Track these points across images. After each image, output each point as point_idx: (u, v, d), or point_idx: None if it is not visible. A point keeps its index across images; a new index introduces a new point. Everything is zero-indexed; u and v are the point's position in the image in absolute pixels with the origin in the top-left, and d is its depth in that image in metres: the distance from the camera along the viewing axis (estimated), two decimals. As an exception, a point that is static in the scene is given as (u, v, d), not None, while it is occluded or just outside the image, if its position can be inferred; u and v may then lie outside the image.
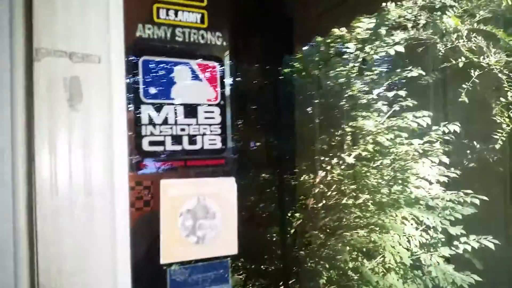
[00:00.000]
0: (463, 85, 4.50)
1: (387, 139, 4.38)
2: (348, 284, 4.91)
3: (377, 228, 4.62)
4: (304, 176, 5.24)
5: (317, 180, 5.38)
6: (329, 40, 4.57)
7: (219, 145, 0.95)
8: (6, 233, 0.75)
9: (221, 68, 0.95)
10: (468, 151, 4.91)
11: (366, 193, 4.96)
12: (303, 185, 5.14)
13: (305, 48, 4.71)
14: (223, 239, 0.94)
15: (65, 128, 0.77)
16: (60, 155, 0.77)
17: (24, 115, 0.75)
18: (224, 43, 0.94)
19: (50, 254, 0.76)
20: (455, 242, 4.24)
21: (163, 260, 0.89)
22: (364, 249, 4.77)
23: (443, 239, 4.40)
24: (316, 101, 4.88)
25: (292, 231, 5.17)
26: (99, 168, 0.80)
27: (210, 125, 0.94)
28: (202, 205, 0.92)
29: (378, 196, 4.73)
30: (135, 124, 0.87)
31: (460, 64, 4.29)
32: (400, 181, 4.31)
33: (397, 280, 4.29)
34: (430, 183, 4.35)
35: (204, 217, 0.92)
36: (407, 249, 4.21)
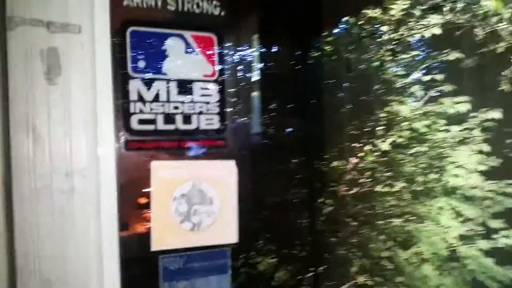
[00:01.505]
0: (503, 72, 4.21)
1: (424, 126, 4.17)
2: (382, 273, 4.79)
3: (413, 218, 4.46)
4: (335, 162, 5.11)
5: (350, 166, 5.25)
6: (361, 22, 4.37)
7: (217, 125, 0.87)
8: (-17, 215, 0.71)
9: (220, 40, 0.87)
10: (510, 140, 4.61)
11: (402, 181, 4.80)
12: (335, 171, 5.02)
13: (335, 30, 4.54)
14: (221, 226, 0.86)
15: (43, 103, 0.72)
16: (38, 132, 0.71)
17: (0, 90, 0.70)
18: (222, 13, 0.86)
19: (28, 236, 0.71)
20: (495, 235, 4.02)
21: (154, 247, 0.83)
22: (399, 239, 4.63)
23: (482, 232, 4.18)
24: (348, 85, 4.71)
25: (323, 217, 5.08)
26: (81, 148, 0.74)
27: (207, 103, 0.86)
28: (198, 189, 0.85)
29: (414, 185, 4.55)
30: (123, 100, 0.80)
31: (500, 50, 4.00)
32: (436, 169, 4.11)
33: (432, 271, 4.12)
34: (469, 172, 4.13)
35: (200, 203, 0.85)
36: (444, 241, 4.03)
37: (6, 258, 0.70)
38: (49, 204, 0.72)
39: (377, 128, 4.86)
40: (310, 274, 4.76)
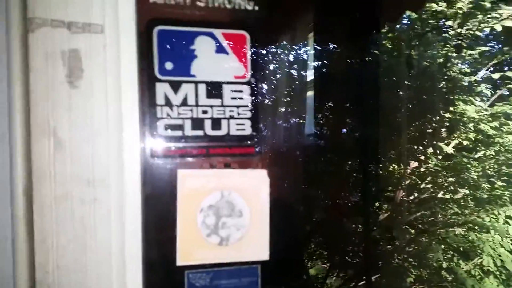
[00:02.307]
0: None
1: (491, 127, 3.86)
2: (440, 285, 4.53)
3: (476, 227, 4.15)
4: (393, 165, 4.89)
5: (409, 170, 5.00)
6: (425, 16, 4.11)
7: (248, 130, 0.80)
8: (5, 221, 0.69)
9: (253, 38, 0.79)
10: None
11: (466, 187, 4.49)
12: (392, 175, 4.80)
13: (396, 26, 4.31)
14: (251, 241, 0.80)
15: (64, 107, 0.68)
16: (58, 138, 0.68)
17: (21, 94, 0.67)
18: (256, 8, 0.78)
19: (48, 247, 0.68)
20: None
21: (180, 261, 0.77)
22: (461, 249, 4.35)
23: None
24: (408, 83, 4.46)
25: (379, 224, 4.88)
26: (103, 155, 0.70)
27: (237, 106, 0.79)
28: (226, 200, 0.78)
29: (479, 192, 4.24)
30: (149, 104, 0.76)
31: None
32: (505, 176, 3.79)
33: (497, 286, 3.81)
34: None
35: (229, 215, 0.78)
36: (511, 252, 3.70)
37: (28, 270, 0.68)
38: (70, 213, 0.69)
39: (440, 130, 4.58)
40: (363, 282, 4.58)
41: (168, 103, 0.76)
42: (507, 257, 3.65)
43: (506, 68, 3.97)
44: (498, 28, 3.60)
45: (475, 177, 4.19)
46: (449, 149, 4.49)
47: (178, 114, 0.77)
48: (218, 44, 0.78)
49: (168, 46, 0.76)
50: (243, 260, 0.80)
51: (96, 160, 0.70)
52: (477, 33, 3.97)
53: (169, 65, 0.76)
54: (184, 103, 0.77)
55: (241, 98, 0.79)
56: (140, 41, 0.74)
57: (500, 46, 4.28)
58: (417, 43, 4.56)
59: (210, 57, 0.78)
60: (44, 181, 0.68)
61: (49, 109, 0.68)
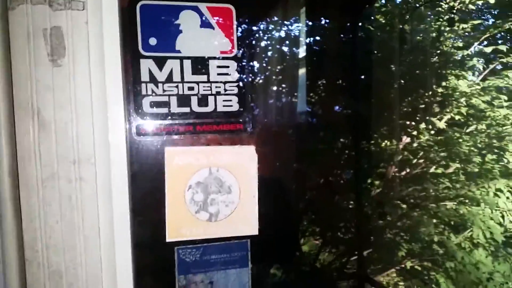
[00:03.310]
0: None
1: (483, 102, 3.87)
2: (431, 258, 4.62)
3: (467, 201, 4.21)
4: (385, 142, 4.91)
5: (401, 146, 5.02)
6: (416, -10, 4.06)
7: (236, 106, 0.79)
8: (-8, 203, 0.69)
9: (239, 12, 0.78)
10: None
11: (457, 161, 4.53)
12: (384, 151, 4.82)
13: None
14: (240, 217, 0.80)
15: (47, 87, 0.67)
16: (42, 118, 0.68)
17: (3, 74, 0.66)
18: (241, -20, 0.77)
19: (35, 227, 0.68)
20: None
21: (169, 237, 0.78)
22: (452, 223, 4.42)
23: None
24: (401, 58, 4.44)
25: (371, 200, 4.93)
26: (88, 134, 0.70)
27: (224, 82, 0.78)
28: (214, 177, 0.78)
29: (470, 166, 4.28)
30: (133, 81, 0.75)
31: None
32: (496, 149, 3.82)
33: (486, 257, 3.89)
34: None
35: (217, 191, 0.79)
36: (500, 225, 3.77)
37: (17, 250, 0.68)
38: (56, 194, 0.68)
39: (432, 105, 4.59)
40: (355, 257, 4.66)
41: (153, 79, 0.76)
42: (496, 229, 3.71)
43: (499, 42, 3.95)
44: (491, 0, 3.58)
45: (467, 151, 4.23)
46: (441, 124, 4.51)
47: (163, 91, 0.76)
48: (203, 19, 0.77)
49: (151, 21, 0.75)
50: (233, 235, 0.81)
51: (81, 140, 0.69)
52: (470, 6, 3.94)
53: (153, 41, 0.75)
54: (170, 79, 0.76)
55: (227, 74, 0.78)
56: (123, 17, 0.72)
57: (493, 20, 4.26)
58: (409, 17, 4.52)
59: (195, 32, 0.77)
60: (30, 162, 0.68)
61: (32, 89, 0.67)
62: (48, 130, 0.68)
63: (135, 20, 0.74)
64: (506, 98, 3.76)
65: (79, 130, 0.69)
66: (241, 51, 0.79)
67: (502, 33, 4.13)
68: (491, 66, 4.01)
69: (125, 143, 0.73)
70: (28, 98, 0.67)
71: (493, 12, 4.22)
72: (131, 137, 0.75)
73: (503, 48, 3.70)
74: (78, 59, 0.68)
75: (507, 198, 3.78)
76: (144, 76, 0.75)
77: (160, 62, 0.76)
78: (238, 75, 0.79)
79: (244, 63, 0.79)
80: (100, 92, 0.70)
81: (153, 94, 0.76)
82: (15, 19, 0.65)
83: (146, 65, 0.75)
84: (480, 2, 3.83)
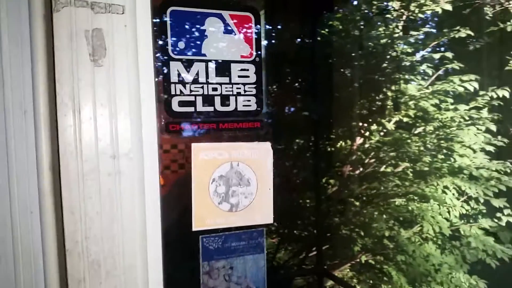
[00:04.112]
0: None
1: (431, 105, 4.16)
2: (383, 252, 4.85)
3: (416, 198, 4.50)
4: (341, 142, 5.12)
5: (355, 146, 5.26)
6: (371, -2, 4.31)
7: (254, 106, 0.86)
8: (32, 196, 0.71)
9: (257, 20, 0.86)
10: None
11: (406, 161, 4.81)
12: (340, 151, 5.03)
13: (345, 6, 4.47)
14: (257, 207, 0.87)
15: (89, 85, 0.71)
16: (84, 114, 0.71)
17: (45, 72, 0.69)
18: (261, -8, 0.84)
19: (76, 218, 0.72)
20: (498, 214, 4.07)
21: (195, 227, 0.84)
22: (401, 218, 4.68)
23: (484, 211, 4.23)
24: (356, 63, 4.67)
25: (327, 197, 5.10)
26: (126, 130, 0.74)
27: (244, 84, 0.85)
28: (235, 171, 0.85)
29: (419, 165, 4.57)
30: (163, 82, 0.80)
31: (509, 28, 3.96)
32: (444, 149, 4.13)
33: (435, 250, 4.18)
34: (475, 151, 4.14)
35: (238, 184, 0.85)
36: (447, 220, 4.07)
37: (56, 241, 0.71)
38: (96, 187, 0.72)
39: (384, 108, 4.84)
40: (313, 253, 4.82)
41: (181, 80, 0.81)
42: (444, 223, 4.00)
43: (444, 49, 4.27)
44: (439, 10, 3.87)
45: (416, 151, 4.51)
46: (390, 126, 4.79)
47: (190, 91, 0.82)
48: (226, 25, 0.84)
49: (180, 26, 0.80)
50: (251, 224, 0.88)
51: (120, 136, 0.74)
52: (419, 15, 4.23)
53: (181, 45, 0.81)
54: (196, 80, 0.82)
55: (247, 76, 0.85)
56: (154, 22, 0.77)
57: (438, 28, 4.60)
58: (362, 24, 4.76)
59: (219, 37, 0.83)
60: (71, 157, 0.71)
61: (74, 86, 0.70)
62: (89, 126, 0.72)
63: (165, 24, 0.80)
64: (452, 101, 4.06)
65: (118, 126, 0.73)
66: (258, 55, 0.86)
67: (447, 42, 4.46)
68: (438, 72, 4.32)
69: (156, 139, 0.78)
70: (70, 95, 0.70)
71: (440, 21, 4.55)
72: (161, 133, 0.80)
73: (449, 55, 4.01)
74: (117, 59, 0.73)
75: (453, 194, 4.08)
76: (173, 77, 0.81)
77: (188, 65, 0.81)
78: (256, 77, 0.86)
79: (260, 66, 0.86)
80: (135, 91, 0.75)
81: (181, 94, 0.81)
82: (59, 21, 0.69)
83: (175, 67, 0.81)
84: (429, 12, 4.13)
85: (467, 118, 4.06)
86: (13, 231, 0.71)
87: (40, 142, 0.70)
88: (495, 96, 3.95)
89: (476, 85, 3.95)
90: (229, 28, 0.84)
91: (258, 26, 0.86)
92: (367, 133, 5.20)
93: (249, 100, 0.86)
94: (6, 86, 0.69)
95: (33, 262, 0.73)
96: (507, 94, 3.92)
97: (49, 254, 0.72)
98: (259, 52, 0.87)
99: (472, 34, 4.08)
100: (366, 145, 5.20)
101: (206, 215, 0.84)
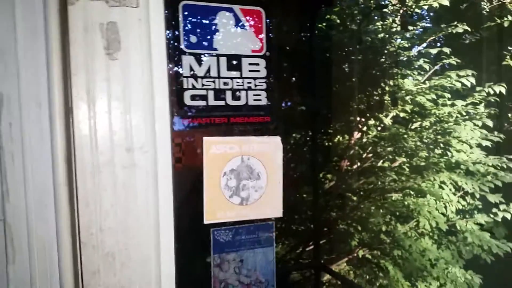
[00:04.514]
0: (509, 47, 4.21)
1: (428, 100, 4.18)
2: (380, 247, 4.87)
3: (413, 192, 4.52)
4: (338, 136, 5.13)
5: (352, 141, 5.27)
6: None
7: (264, 101, 0.87)
8: (47, 188, 0.72)
9: (268, 14, 0.86)
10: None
11: (403, 156, 4.83)
12: (338, 146, 5.05)
13: (343, 0, 4.47)
14: (267, 201, 0.88)
15: (103, 78, 0.72)
16: (98, 107, 0.72)
17: (60, 65, 0.70)
18: (271, -14, 0.85)
19: (91, 211, 0.72)
20: (494, 210, 4.10)
21: (206, 220, 0.85)
22: (398, 213, 4.70)
23: (480, 206, 4.26)
24: (354, 57, 4.68)
25: (325, 192, 5.12)
26: (140, 123, 0.75)
27: (255, 78, 0.86)
28: (246, 164, 0.86)
29: (415, 160, 4.59)
30: (176, 76, 0.80)
31: (506, 24, 3.98)
32: (441, 144, 4.15)
33: (431, 245, 4.22)
34: (471, 147, 4.17)
35: (248, 178, 0.86)
36: (443, 215, 4.10)
37: (70, 233, 0.72)
38: (111, 179, 0.73)
39: (382, 102, 4.85)
40: (310, 248, 4.84)
41: (193, 74, 0.82)
42: (441, 218, 4.03)
43: (441, 44, 4.29)
44: (435, 5, 3.88)
45: (413, 146, 4.53)
46: (388, 121, 4.81)
47: (202, 85, 0.82)
48: (237, 19, 0.84)
49: (192, 20, 0.81)
50: (261, 217, 0.89)
51: (134, 129, 0.74)
52: (417, 10, 4.24)
53: (193, 39, 0.81)
54: (207, 75, 0.83)
55: (257, 71, 0.86)
56: (167, 15, 0.78)
57: (435, 23, 4.62)
58: (360, 18, 4.76)
59: (230, 31, 0.84)
60: (87, 149, 0.72)
61: (89, 79, 0.71)
62: (104, 119, 0.72)
63: (178, 18, 0.80)
64: (449, 96, 4.08)
65: (133, 120, 0.74)
66: (269, 49, 0.87)
67: (444, 37, 4.48)
68: (435, 67, 4.34)
69: (169, 133, 0.78)
70: (85, 88, 0.71)
71: (438, 17, 4.56)
72: (174, 127, 0.81)
73: (447, 50, 4.03)
74: (131, 53, 0.73)
75: (450, 190, 4.11)
76: (186, 71, 0.81)
77: (200, 59, 0.82)
78: (267, 72, 0.87)
79: (270, 61, 0.87)
80: (149, 85, 0.75)
81: (193, 88, 0.82)
82: (74, 14, 0.69)
83: (188, 61, 0.81)
84: (425, 7, 4.15)
85: (464, 114, 4.09)
86: (28, 224, 0.72)
87: (55, 135, 0.71)
88: (491, 92, 3.98)
89: (473, 80, 3.97)
90: (240, 22, 0.85)
91: (269, 20, 0.87)
92: (364, 128, 5.21)
93: (260, 95, 0.87)
94: (21, 79, 0.69)
95: (48, 254, 0.73)
96: (503, 90, 3.95)
97: (63, 246, 0.72)
98: (269, 47, 0.87)
99: (469, 29, 4.10)
100: (364, 140, 5.21)
101: (217, 208, 0.85)
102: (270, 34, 0.87)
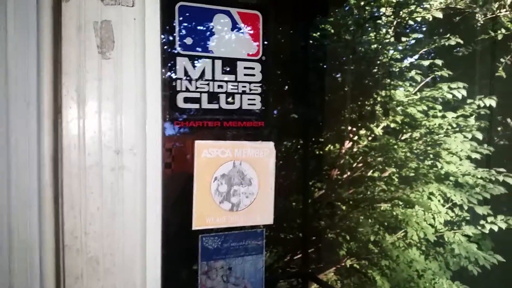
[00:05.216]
0: (502, 59, 4.26)
1: (419, 111, 4.21)
2: (368, 257, 4.87)
3: (401, 203, 4.53)
4: (329, 145, 5.13)
5: (343, 150, 5.28)
6: (363, 3, 4.34)
7: (258, 105, 0.86)
8: (31, 188, 0.70)
9: (265, 18, 0.85)
10: (502, 127, 4.71)
11: (393, 166, 4.85)
12: (328, 155, 5.05)
13: (337, 10, 4.49)
14: (258, 207, 0.87)
15: (95, 77, 0.70)
16: (89, 107, 0.70)
17: (51, 63, 0.68)
18: (270, -9, 0.84)
19: (76, 213, 0.70)
20: (482, 222, 4.13)
21: (195, 225, 0.83)
22: (386, 223, 4.71)
23: (468, 218, 4.29)
24: (347, 67, 4.70)
25: (314, 201, 5.11)
26: (130, 124, 0.73)
27: (250, 82, 0.85)
28: (238, 170, 0.84)
29: (405, 170, 4.61)
30: (169, 77, 0.79)
31: (500, 36, 4.04)
32: (431, 155, 4.17)
33: (419, 256, 4.22)
34: (461, 159, 4.20)
35: (240, 183, 0.85)
36: (432, 226, 4.11)
37: (54, 236, 0.69)
38: (98, 181, 0.71)
39: (373, 112, 4.87)
40: (298, 256, 4.82)
41: (187, 77, 0.80)
42: (429, 230, 4.04)
43: (433, 56, 4.33)
44: (428, 17, 3.92)
45: (402, 156, 4.55)
46: (378, 131, 4.83)
47: (196, 87, 0.81)
48: (234, 23, 0.83)
49: (188, 22, 0.79)
50: (251, 224, 0.87)
51: (124, 131, 0.72)
52: (410, 22, 4.28)
53: (189, 40, 0.80)
54: (202, 77, 0.81)
55: (253, 75, 0.85)
56: (163, 16, 0.76)
57: (428, 35, 4.66)
58: (354, 29, 4.79)
59: (226, 34, 0.83)
60: (74, 150, 0.69)
61: (80, 78, 0.69)
62: (94, 119, 0.70)
63: (173, 19, 0.79)
64: (440, 108, 4.11)
65: (123, 121, 0.72)
66: (265, 54, 0.86)
67: (436, 49, 4.52)
68: (426, 79, 4.37)
69: (160, 136, 0.77)
70: (77, 88, 0.69)
71: (431, 29, 4.61)
72: (165, 129, 0.79)
73: (439, 62, 4.06)
74: (125, 53, 0.71)
75: (439, 201, 4.13)
76: (180, 73, 0.80)
77: (194, 61, 0.80)
78: (262, 76, 0.85)
79: (267, 65, 0.86)
80: (141, 86, 0.74)
81: (187, 90, 0.80)
82: (68, 11, 0.67)
83: (182, 63, 0.79)
84: (419, 19, 4.18)
85: (454, 126, 4.12)
86: (10, 223, 0.69)
87: (42, 134, 0.69)
88: (482, 104, 4.02)
89: (464, 92, 4.00)
90: (237, 25, 0.83)
91: (266, 25, 0.86)
92: (355, 137, 5.23)
93: (254, 99, 0.86)
94: (10, 76, 0.67)
95: (29, 257, 0.71)
96: (493, 103, 3.99)
97: (46, 249, 0.70)
98: (265, 51, 0.86)
99: (462, 42, 4.14)
100: (354, 149, 5.22)
101: (206, 214, 0.83)
102: (266, 39, 0.85)
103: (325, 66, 4.84)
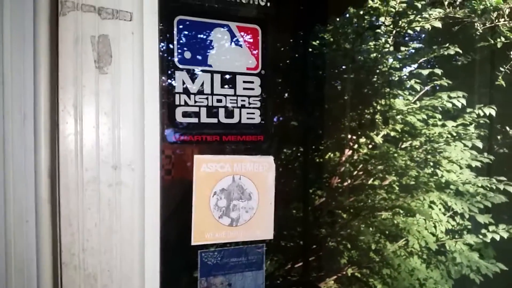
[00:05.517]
0: (501, 68, 4.27)
1: (418, 120, 4.21)
2: (369, 265, 4.85)
3: (402, 211, 4.52)
4: (329, 153, 5.13)
5: (343, 158, 5.27)
6: (362, 12, 4.35)
7: (257, 119, 0.85)
8: (28, 204, 0.69)
9: (264, 32, 0.85)
10: (502, 136, 4.71)
11: (393, 174, 4.84)
12: (328, 162, 5.04)
13: (337, 19, 4.51)
14: (258, 222, 0.86)
15: (92, 92, 0.69)
16: (86, 122, 0.69)
17: (48, 76, 0.67)
18: (268, 4, 0.84)
19: (74, 230, 0.69)
20: (483, 231, 4.11)
21: (194, 241, 0.81)
22: (387, 232, 4.69)
23: (469, 226, 4.27)
24: (346, 76, 4.71)
25: (314, 209, 5.09)
26: (129, 139, 0.72)
27: (249, 96, 0.84)
28: (237, 184, 0.84)
29: (405, 179, 4.60)
30: (168, 92, 0.78)
31: (499, 45, 4.05)
32: (431, 164, 4.16)
33: (420, 264, 4.20)
34: (461, 167, 4.19)
35: (239, 198, 0.84)
36: (433, 234, 4.09)
37: (51, 252, 0.68)
38: (96, 197, 0.70)
39: (373, 121, 4.87)
40: (299, 264, 4.79)
41: (186, 91, 0.80)
42: (430, 238, 4.02)
43: (433, 65, 4.34)
44: (428, 27, 3.94)
45: (403, 165, 4.54)
46: (378, 139, 4.82)
47: (194, 102, 0.80)
48: (233, 37, 0.83)
49: (187, 36, 0.79)
50: (251, 239, 0.86)
51: (122, 146, 0.72)
52: (409, 31, 4.29)
53: (187, 54, 0.79)
54: (201, 91, 0.81)
55: (252, 89, 0.84)
56: (161, 30, 0.76)
57: (426, 45, 4.67)
58: (353, 37, 4.80)
59: (225, 48, 0.82)
60: (72, 165, 0.69)
61: (78, 93, 0.68)
62: (92, 134, 0.69)
63: (172, 33, 0.78)
64: (440, 117, 4.11)
65: (121, 136, 0.71)
66: (264, 68, 0.85)
67: (435, 58, 4.53)
68: (426, 88, 4.38)
69: (159, 151, 0.76)
70: (74, 103, 0.68)
71: (429, 38, 4.62)
72: (164, 144, 0.78)
73: (438, 71, 4.07)
74: (123, 67, 0.71)
75: (439, 209, 4.11)
76: (178, 88, 0.79)
77: (193, 75, 0.80)
78: (261, 90, 0.85)
79: (266, 79, 0.85)
80: (139, 101, 0.73)
81: (186, 104, 0.80)
82: (65, 25, 0.67)
83: (181, 77, 0.79)
84: (417, 29, 4.19)
85: (454, 134, 4.11)
86: (6, 240, 0.68)
87: (39, 148, 0.68)
88: (481, 114, 4.02)
89: (463, 101, 4.01)
90: (236, 39, 0.83)
91: (265, 38, 0.85)
92: (355, 146, 5.23)
93: (253, 113, 0.85)
94: (6, 89, 0.67)
95: (27, 274, 0.70)
96: (493, 112, 3.99)
97: (43, 266, 0.69)
98: (264, 65, 0.86)
99: (461, 51, 4.15)
100: (355, 157, 5.22)
101: (206, 229, 0.82)
102: (266, 52, 0.85)
103: (324, 75, 4.85)
